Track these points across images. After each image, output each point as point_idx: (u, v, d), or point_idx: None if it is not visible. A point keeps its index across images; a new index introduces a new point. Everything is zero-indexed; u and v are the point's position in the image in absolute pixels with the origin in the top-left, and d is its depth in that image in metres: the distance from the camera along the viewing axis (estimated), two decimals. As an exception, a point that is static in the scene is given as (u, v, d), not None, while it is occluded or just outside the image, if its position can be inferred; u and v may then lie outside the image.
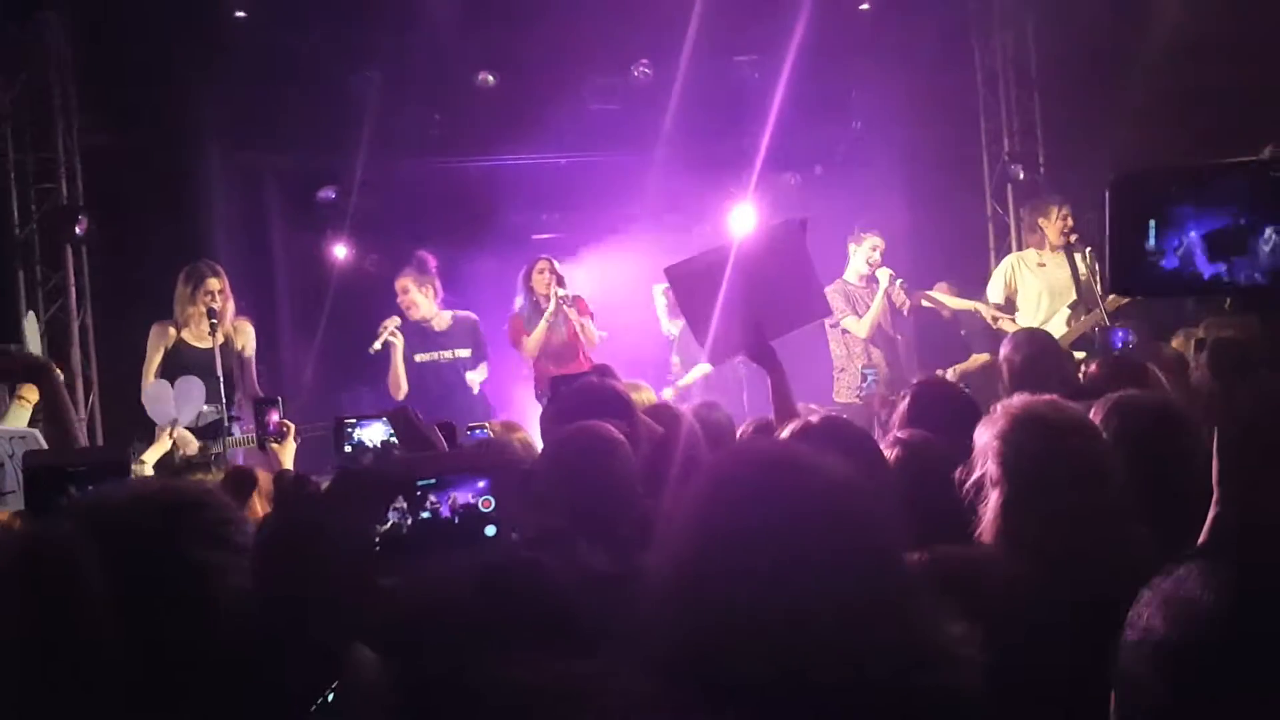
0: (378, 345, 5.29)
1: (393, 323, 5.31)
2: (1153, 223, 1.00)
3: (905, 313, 5.85)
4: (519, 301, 5.64)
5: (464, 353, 5.47)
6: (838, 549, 1.01)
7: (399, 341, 5.30)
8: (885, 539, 1.07)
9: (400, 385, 5.32)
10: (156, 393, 4.38)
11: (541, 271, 5.54)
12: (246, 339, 4.93)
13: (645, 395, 4.27)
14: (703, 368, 5.72)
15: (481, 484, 1.04)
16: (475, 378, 5.48)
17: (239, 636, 1.02)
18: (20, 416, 3.43)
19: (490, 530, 1.01)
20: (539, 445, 2.71)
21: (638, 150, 6.63)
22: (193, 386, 4.43)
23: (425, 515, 1.01)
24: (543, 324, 5.45)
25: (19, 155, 6.08)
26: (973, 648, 1.05)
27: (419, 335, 5.41)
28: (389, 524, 1.00)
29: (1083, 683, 1.38)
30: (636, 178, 6.67)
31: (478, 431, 3.85)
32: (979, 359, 5.95)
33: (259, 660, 1.00)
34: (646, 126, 6.51)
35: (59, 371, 2.26)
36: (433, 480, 1.02)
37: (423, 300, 5.40)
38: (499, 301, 5.96)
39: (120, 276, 6.11)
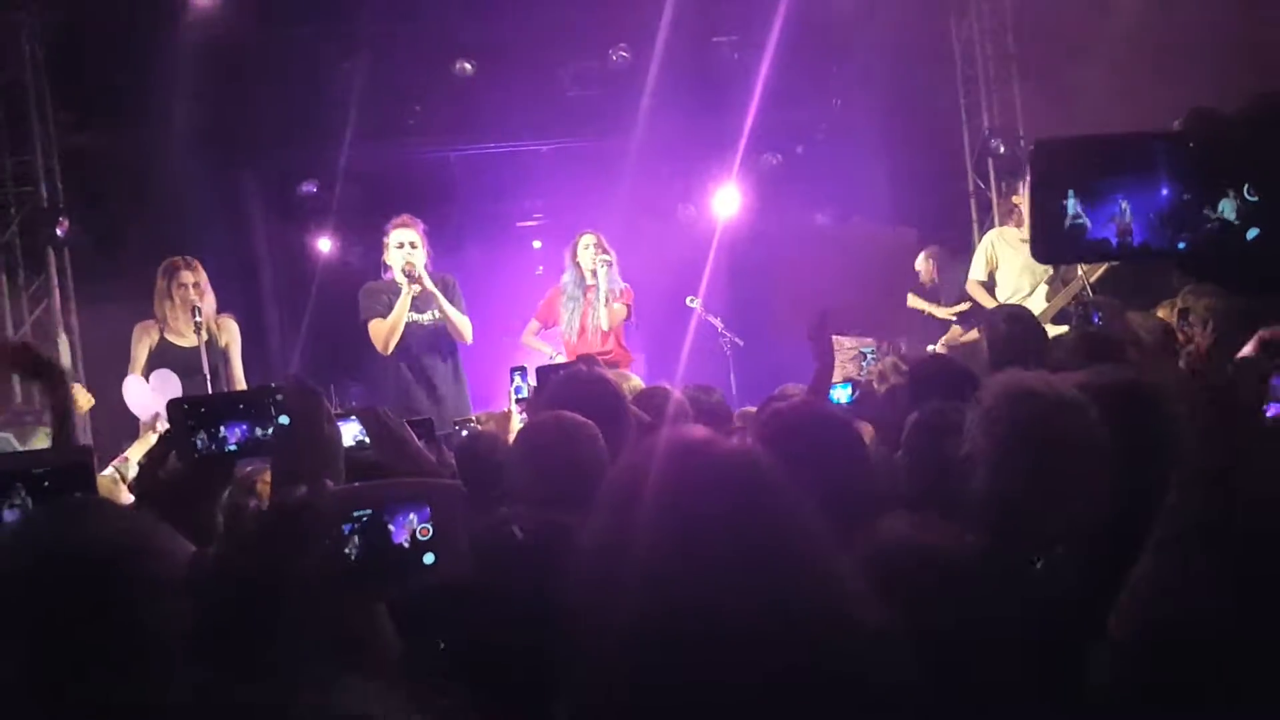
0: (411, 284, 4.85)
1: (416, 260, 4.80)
2: (1071, 191, 1.04)
3: None
4: (566, 277, 5.32)
5: (436, 312, 4.96)
6: (745, 542, 1.05)
7: (412, 292, 4.83)
8: (796, 531, 1.09)
9: (392, 340, 4.87)
10: (133, 388, 4.37)
11: (586, 247, 5.22)
12: (230, 336, 4.89)
13: (634, 384, 4.31)
14: None
15: (422, 511, 0.99)
16: (456, 317, 4.93)
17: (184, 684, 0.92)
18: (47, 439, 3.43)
19: (429, 558, 0.97)
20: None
21: (619, 135, 6.62)
22: (167, 380, 4.42)
23: (363, 547, 0.97)
24: (572, 312, 5.19)
25: (-3, 158, 6.05)
26: (899, 634, 1.06)
27: (397, 294, 4.92)
28: (325, 558, 0.97)
29: (1057, 666, 1.42)
30: (619, 162, 6.67)
31: (469, 426, 3.87)
32: (959, 334, 6.01)
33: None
34: (627, 111, 6.49)
35: (68, 379, 2.22)
36: (369, 510, 0.98)
37: (422, 255, 4.88)
38: (484, 289, 5.98)
39: (103, 277, 6.08)
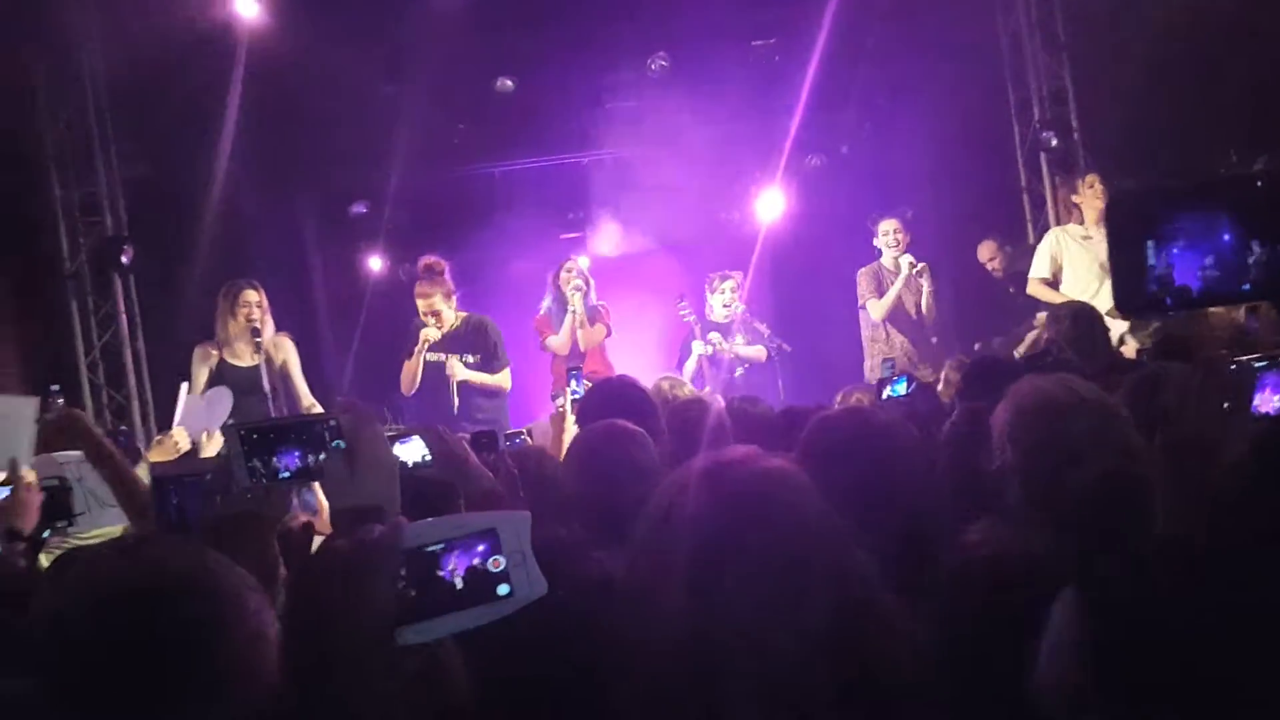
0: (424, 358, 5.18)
1: (431, 335, 5.15)
2: (1150, 242, 1.05)
3: (927, 310, 5.82)
4: (546, 302, 5.71)
5: (469, 358, 5.16)
6: (780, 563, 1.07)
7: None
8: (834, 554, 1.11)
9: (412, 383, 5.16)
10: (190, 406, 4.44)
11: (569, 271, 5.62)
12: (287, 353, 5.01)
13: (686, 390, 4.32)
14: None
15: (492, 542, 0.97)
16: (487, 380, 5.17)
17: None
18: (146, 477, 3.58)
19: (504, 589, 0.96)
20: None
21: (659, 144, 6.63)
22: (223, 394, 4.53)
23: (430, 581, 0.96)
24: (568, 322, 5.52)
25: (64, 191, 6.31)
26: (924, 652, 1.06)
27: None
28: (395, 596, 0.94)
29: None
30: (660, 171, 6.67)
31: (516, 440, 3.90)
32: (1032, 336, 5.87)
33: None
34: (667, 119, 6.50)
35: (82, 418, 2.36)
36: (440, 545, 0.96)
37: (448, 311, 5.16)
38: (530, 304, 6.04)
39: (167, 300, 6.31)
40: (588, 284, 5.60)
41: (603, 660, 1.16)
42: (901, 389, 3.89)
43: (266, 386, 4.76)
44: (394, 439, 3.48)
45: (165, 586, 1.00)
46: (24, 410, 3.24)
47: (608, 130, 6.64)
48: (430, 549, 0.96)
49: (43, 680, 0.95)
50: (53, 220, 6.28)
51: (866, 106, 6.88)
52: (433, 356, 5.18)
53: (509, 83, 6.40)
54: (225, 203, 6.25)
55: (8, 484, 2.49)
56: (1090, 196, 5.44)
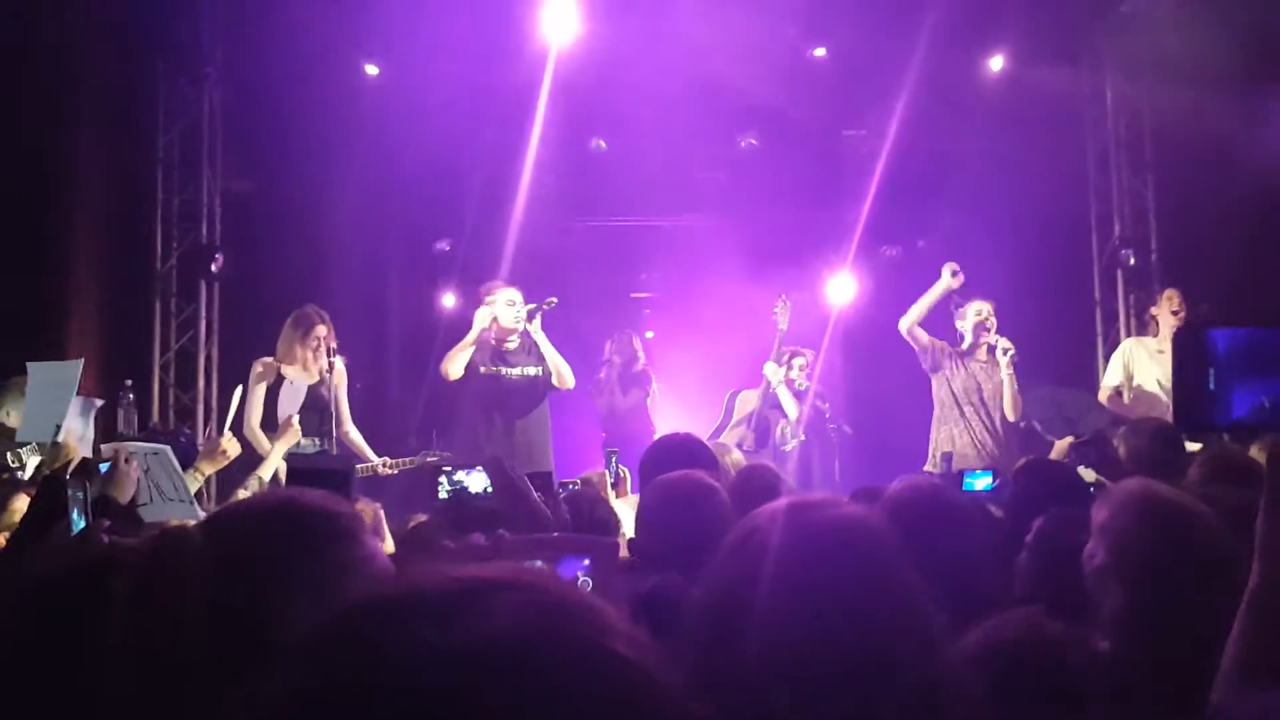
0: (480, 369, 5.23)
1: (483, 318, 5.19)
2: (1212, 370, 1.19)
3: (1012, 403, 5.39)
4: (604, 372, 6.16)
5: (533, 370, 5.22)
6: (856, 601, 1.12)
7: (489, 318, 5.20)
8: (907, 601, 1.15)
9: (454, 367, 5.15)
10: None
11: (611, 342, 6.16)
12: (340, 377, 5.09)
13: (735, 458, 4.34)
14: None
15: (585, 563, 1.11)
16: (560, 364, 5.28)
17: None
18: (194, 484, 3.69)
19: None
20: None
21: (738, 216, 6.76)
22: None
23: None
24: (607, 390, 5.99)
25: (166, 195, 6.61)
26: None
27: (488, 349, 5.23)
28: None
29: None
30: (735, 243, 6.78)
31: (566, 488, 3.94)
32: (1062, 445, 5.74)
33: None
34: (749, 194, 6.63)
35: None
36: (538, 561, 1.07)
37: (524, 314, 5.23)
38: (594, 355, 6.13)
39: (243, 313, 6.50)
40: (628, 355, 6.06)
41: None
42: (987, 482, 3.66)
43: (318, 406, 4.86)
44: (458, 469, 3.55)
45: (321, 516, 1.16)
46: (68, 374, 3.36)
47: (691, 197, 6.79)
48: (531, 564, 1.04)
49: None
50: (151, 222, 6.56)
51: (949, 205, 6.95)
52: (491, 369, 5.19)
53: (602, 143, 6.61)
54: (316, 225, 6.47)
55: (107, 460, 2.60)
56: (1167, 311, 5.44)
